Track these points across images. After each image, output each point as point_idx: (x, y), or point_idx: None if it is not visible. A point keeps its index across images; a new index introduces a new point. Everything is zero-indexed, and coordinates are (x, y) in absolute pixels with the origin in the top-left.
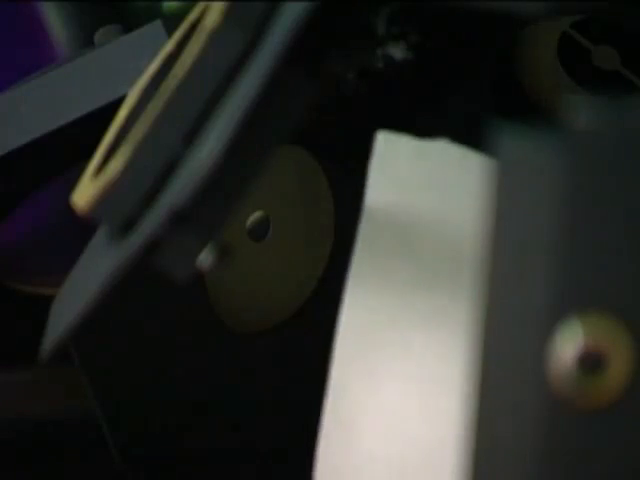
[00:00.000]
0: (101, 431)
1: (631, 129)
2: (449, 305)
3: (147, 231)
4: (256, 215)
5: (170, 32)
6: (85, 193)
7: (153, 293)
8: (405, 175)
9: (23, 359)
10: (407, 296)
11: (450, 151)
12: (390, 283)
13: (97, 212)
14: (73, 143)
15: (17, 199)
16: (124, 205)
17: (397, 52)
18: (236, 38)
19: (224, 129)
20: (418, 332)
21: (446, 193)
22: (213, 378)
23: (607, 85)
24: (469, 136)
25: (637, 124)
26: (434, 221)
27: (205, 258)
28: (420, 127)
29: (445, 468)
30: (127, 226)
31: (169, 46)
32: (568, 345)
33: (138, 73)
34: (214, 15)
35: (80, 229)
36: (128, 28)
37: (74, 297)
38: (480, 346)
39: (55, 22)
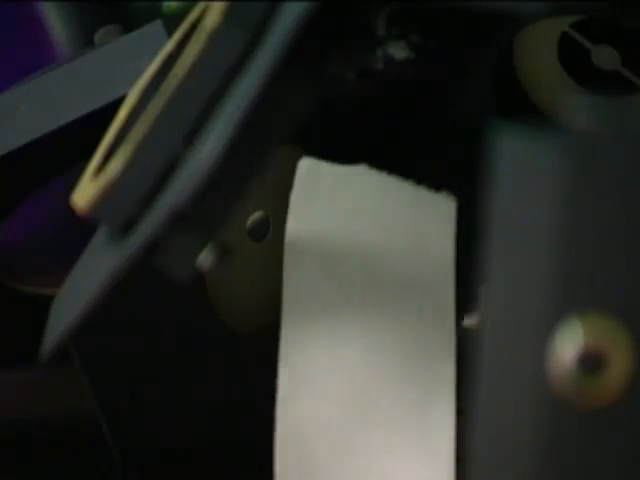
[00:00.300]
0: (101, 431)
1: (631, 129)
2: (379, 324)
3: (147, 231)
4: (256, 215)
5: (170, 32)
6: (85, 193)
7: (153, 293)
8: (326, 203)
9: (23, 359)
10: (340, 318)
11: (370, 177)
12: (321, 308)
13: (97, 212)
14: (73, 143)
15: (17, 199)
16: (124, 205)
17: (397, 52)
18: (236, 38)
19: (224, 129)
20: (353, 351)
21: (368, 219)
22: (213, 378)
23: (607, 85)
24: (469, 136)
25: (637, 124)
26: (357, 247)
27: (205, 258)
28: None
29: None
30: (127, 226)
31: (169, 46)
32: (568, 345)
33: (138, 73)
34: (214, 15)
35: (80, 229)
36: (128, 28)
37: (74, 297)
38: (480, 346)
39: (55, 22)
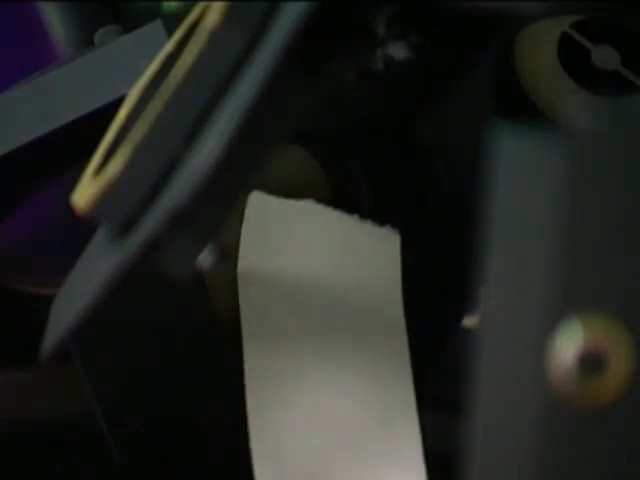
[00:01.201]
0: (101, 431)
1: (631, 129)
2: (337, 349)
3: (147, 231)
4: None
5: (170, 32)
6: (85, 193)
7: (153, 293)
8: (277, 236)
9: (23, 359)
10: (299, 345)
11: (317, 212)
12: (280, 336)
13: (97, 212)
14: (73, 143)
15: (17, 199)
16: (124, 205)
17: (397, 52)
18: (236, 38)
19: (224, 129)
20: (316, 372)
21: (317, 252)
22: (213, 378)
23: (607, 85)
24: (469, 136)
25: (637, 124)
26: (308, 279)
27: (205, 258)
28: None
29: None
30: (127, 226)
31: (169, 46)
32: (568, 345)
33: (138, 73)
34: (214, 15)
35: (80, 229)
36: (128, 28)
37: (74, 297)
38: (480, 346)
39: (55, 22)
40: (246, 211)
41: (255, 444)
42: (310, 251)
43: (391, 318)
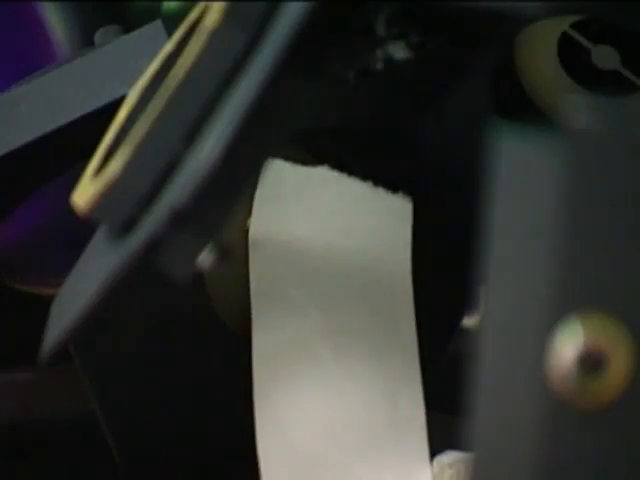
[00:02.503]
0: (101, 431)
1: (631, 129)
2: (343, 320)
3: (147, 231)
4: None
5: (170, 32)
6: (85, 193)
7: (153, 293)
8: (289, 203)
9: (23, 359)
10: (308, 315)
11: (331, 178)
12: (288, 305)
13: (97, 212)
14: (73, 143)
15: (17, 199)
16: (124, 205)
17: (397, 52)
18: (236, 38)
19: (224, 129)
20: (322, 347)
21: (328, 219)
22: (213, 378)
23: (607, 85)
24: (469, 136)
25: (637, 124)
26: (318, 245)
27: (205, 258)
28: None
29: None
30: (127, 226)
31: (169, 46)
32: (568, 345)
33: (138, 73)
34: (214, 15)
35: (80, 229)
36: (128, 28)
37: (74, 297)
38: (480, 346)
39: (55, 22)
40: (260, 180)
41: (260, 424)
42: (321, 217)
43: (400, 288)
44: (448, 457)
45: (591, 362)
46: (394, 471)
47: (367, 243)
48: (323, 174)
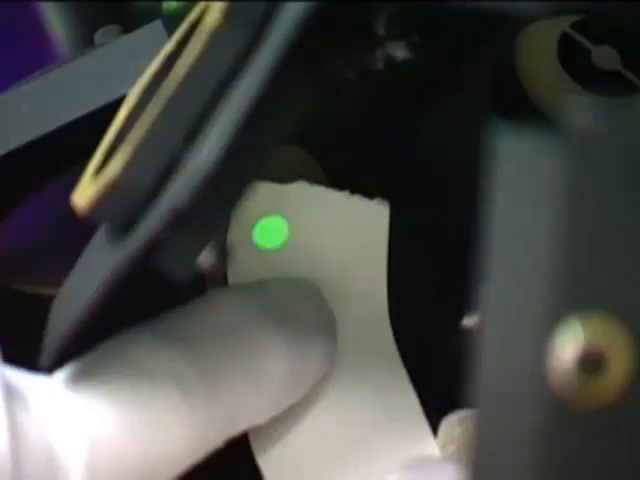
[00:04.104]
0: None
1: (631, 129)
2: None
3: (147, 231)
4: None
5: (170, 32)
6: (85, 193)
7: (153, 293)
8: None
9: (23, 359)
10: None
11: (306, 190)
12: None
13: (97, 212)
14: (73, 143)
15: (17, 199)
16: (124, 205)
17: (397, 52)
18: (236, 38)
19: (224, 129)
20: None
21: (308, 228)
22: None
23: (607, 85)
24: (469, 137)
25: (637, 124)
26: (299, 253)
27: (205, 258)
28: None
29: None
30: (127, 226)
31: (169, 46)
32: (568, 345)
33: (138, 73)
34: (214, 15)
35: (80, 229)
36: (128, 28)
37: (74, 297)
38: (480, 346)
39: (55, 22)
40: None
41: (255, 440)
42: (298, 229)
43: (374, 297)
44: (458, 414)
45: (591, 362)
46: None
47: (342, 250)
48: (299, 189)
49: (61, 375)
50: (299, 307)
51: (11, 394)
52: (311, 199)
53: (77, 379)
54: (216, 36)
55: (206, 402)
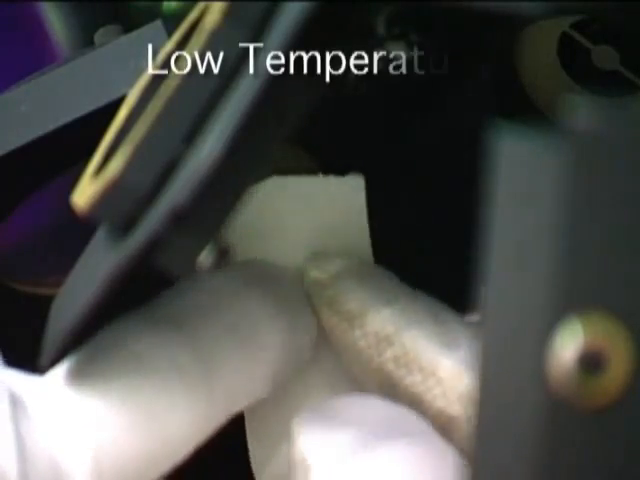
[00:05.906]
0: None
1: (631, 129)
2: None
3: (147, 231)
4: None
5: (170, 32)
6: (85, 193)
7: (153, 293)
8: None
9: (23, 359)
10: None
11: (280, 182)
12: None
13: (97, 212)
14: (73, 143)
15: (17, 199)
16: (124, 205)
17: (397, 52)
18: (236, 38)
19: (224, 129)
20: None
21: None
22: None
23: (607, 85)
24: (469, 137)
25: (637, 124)
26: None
27: (205, 258)
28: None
29: None
30: (127, 226)
31: (169, 46)
32: (568, 345)
33: (138, 73)
34: (214, 15)
35: (80, 229)
36: (128, 28)
37: (74, 297)
38: (480, 346)
39: (55, 22)
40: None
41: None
42: (282, 219)
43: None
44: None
45: (591, 362)
46: None
47: (326, 229)
48: (272, 182)
49: (60, 372)
50: (284, 280)
51: (15, 404)
52: (287, 187)
53: (76, 376)
54: (216, 36)
55: (205, 383)
